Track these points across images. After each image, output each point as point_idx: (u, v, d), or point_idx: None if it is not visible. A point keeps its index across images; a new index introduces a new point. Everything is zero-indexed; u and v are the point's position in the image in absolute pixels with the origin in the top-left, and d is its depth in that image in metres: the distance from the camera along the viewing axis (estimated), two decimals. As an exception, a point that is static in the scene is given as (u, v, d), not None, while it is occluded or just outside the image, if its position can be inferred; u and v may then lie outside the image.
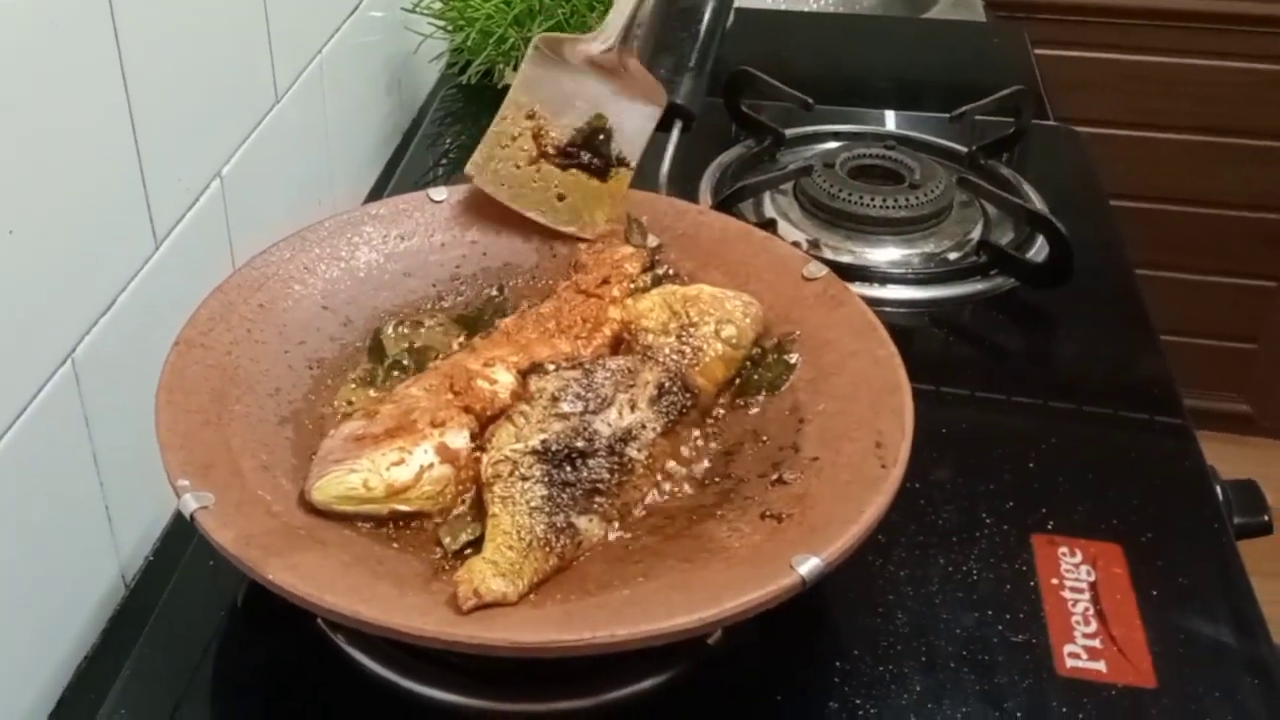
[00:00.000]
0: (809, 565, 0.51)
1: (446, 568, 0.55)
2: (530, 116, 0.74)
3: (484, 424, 0.61)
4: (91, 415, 0.65)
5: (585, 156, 0.74)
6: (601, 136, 0.73)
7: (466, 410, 0.61)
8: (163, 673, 0.62)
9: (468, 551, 0.56)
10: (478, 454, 0.59)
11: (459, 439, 0.59)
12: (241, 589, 0.64)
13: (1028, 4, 1.75)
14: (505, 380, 0.63)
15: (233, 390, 0.61)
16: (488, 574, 0.51)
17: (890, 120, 1.11)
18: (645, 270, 0.72)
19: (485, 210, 0.75)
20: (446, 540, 0.57)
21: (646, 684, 0.57)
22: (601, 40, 0.74)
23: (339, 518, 0.57)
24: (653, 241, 0.74)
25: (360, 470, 0.56)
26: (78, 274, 0.63)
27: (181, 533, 0.71)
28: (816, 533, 0.53)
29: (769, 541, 0.55)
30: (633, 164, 0.74)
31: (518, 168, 0.74)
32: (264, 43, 0.82)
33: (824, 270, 0.69)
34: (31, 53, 0.57)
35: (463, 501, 0.59)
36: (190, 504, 0.53)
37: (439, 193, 0.75)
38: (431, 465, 0.58)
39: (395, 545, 0.57)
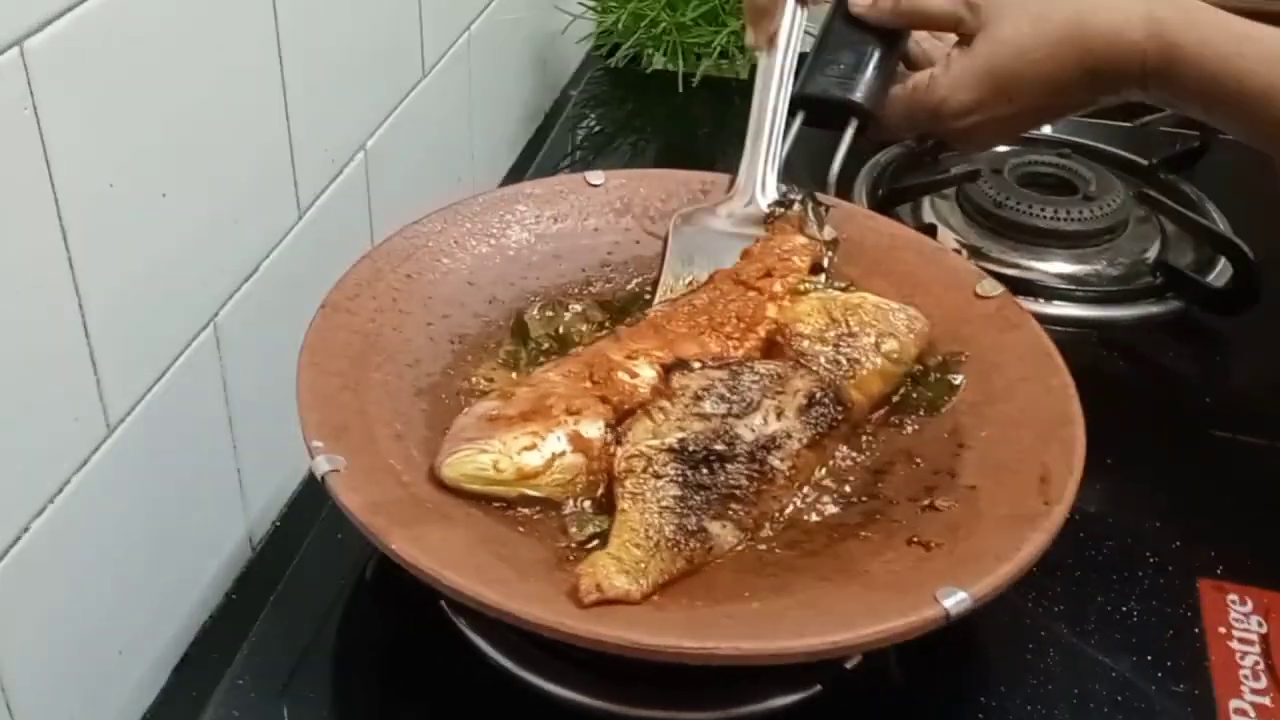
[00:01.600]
0: (955, 599, 0.47)
1: (571, 558, 0.53)
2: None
3: (620, 417, 0.59)
4: (229, 378, 0.65)
5: None
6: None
7: (604, 401, 0.59)
8: (284, 639, 0.62)
9: (593, 544, 0.54)
10: (612, 446, 0.57)
11: (594, 429, 0.57)
12: (371, 564, 0.63)
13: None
14: (647, 375, 0.60)
15: (373, 357, 0.60)
16: (611, 569, 0.49)
17: (1064, 126, 1.05)
18: (815, 268, 0.68)
19: (643, 198, 0.73)
20: (573, 530, 0.55)
21: (776, 702, 0.54)
22: (739, 198, 0.71)
23: (467, 495, 0.55)
24: (830, 234, 0.70)
25: (491, 451, 0.55)
26: (225, 239, 0.63)
27: (309, 501, 0.71)
28: (966, 566, 0.50)
29: (914, 569, 0.51)
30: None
31: None
32: (415, 17, 0.82)
33: (1000, 289, 0.65)
34: (192, 22, 0.57)
35: (593, 492, 0.57)
36: (323, 465, 0.52)
37: (596, 176, 0.74)
38: (564, 453, 0.56)
39: (521, 529, 0.55)
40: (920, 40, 0.76)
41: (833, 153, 0.75)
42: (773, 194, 0.71)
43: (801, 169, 0.76)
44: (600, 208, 0.73)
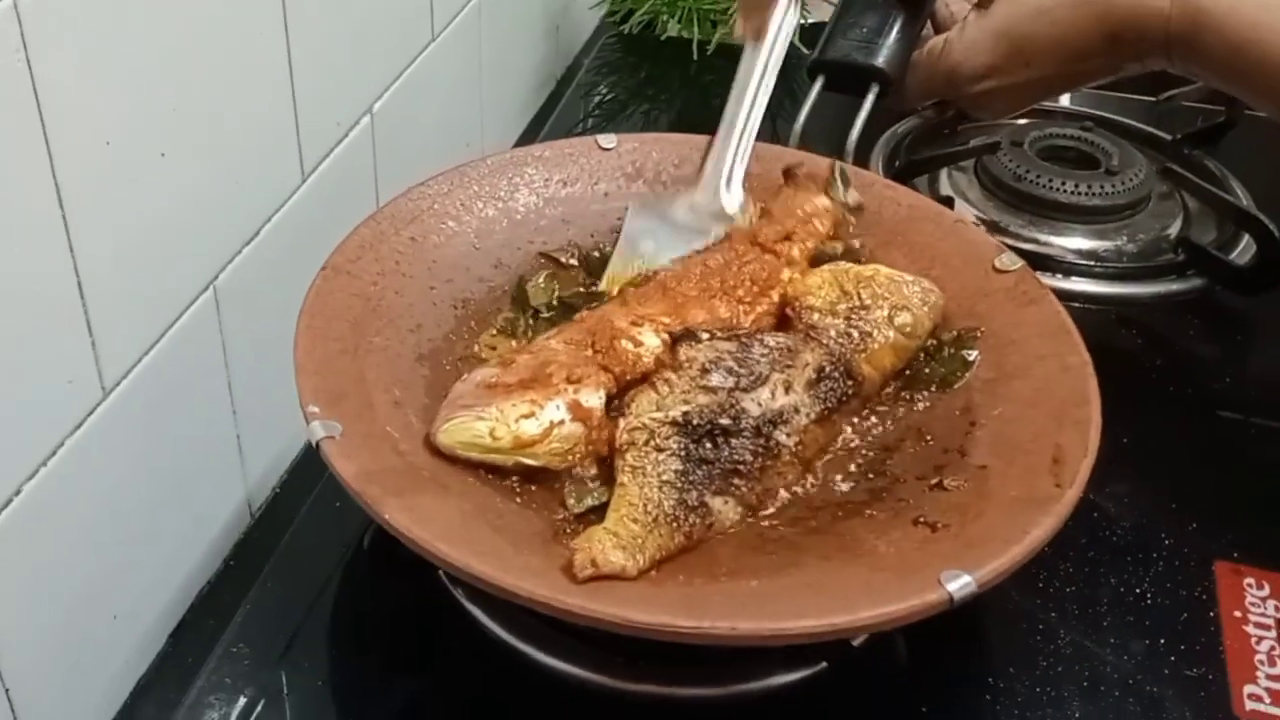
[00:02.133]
0: (959, 583, 0.46)
1: (568, 530, 0.53)
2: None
3: (623, 387, 0.58)
4: (229, 342, 0.64)
5: None
6: None
7: (605, 370, 0.58)
8: (282, 606, 0.62)
9: (593, 517, 0.53)
10: (613, 417, 0.56)
11: (594, 398, 0.56)
12: (369, 531, 0.62)
13: None
14: (651, 343, 0.59)
15: (374, 322, 0.59)
16: (608, 544, 0.48)
17: (1086, 99, 1.03)
18: (834, 234, 0.66)
19: (655, 162, 0.71)
20: (571, 501, 0.54)
21: (782, 679, 0.53)
22: (703, 191, 0.69)
23: (464, 465, 0.54)
24: (854, 198, 0.68)
25: (488, 419, 0.54)
26: (225, 201, 0.62)
27: (310, 468, 0.70)
28: (973, 548, 0.49)
29: (919, 551, 0.50)
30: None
31: None
32: (425, -22, 0.80)
33: (1019, 263, 0.64)
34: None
35: (592, 463, 0.56)
36: (318, 432, 0.51)
37: (608, 140, 0.72)
38: (562, 422, 0.55)
39: (519, 500, 0.54)
40: (949, 3, 0.74)
41: (852, 119, 0.73)
42: (739, 192, 0.69)
43: (820, 135, 0.74)
44: (611, 172, 0.72)
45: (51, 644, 0.55)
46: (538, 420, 0.54)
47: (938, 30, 0.74)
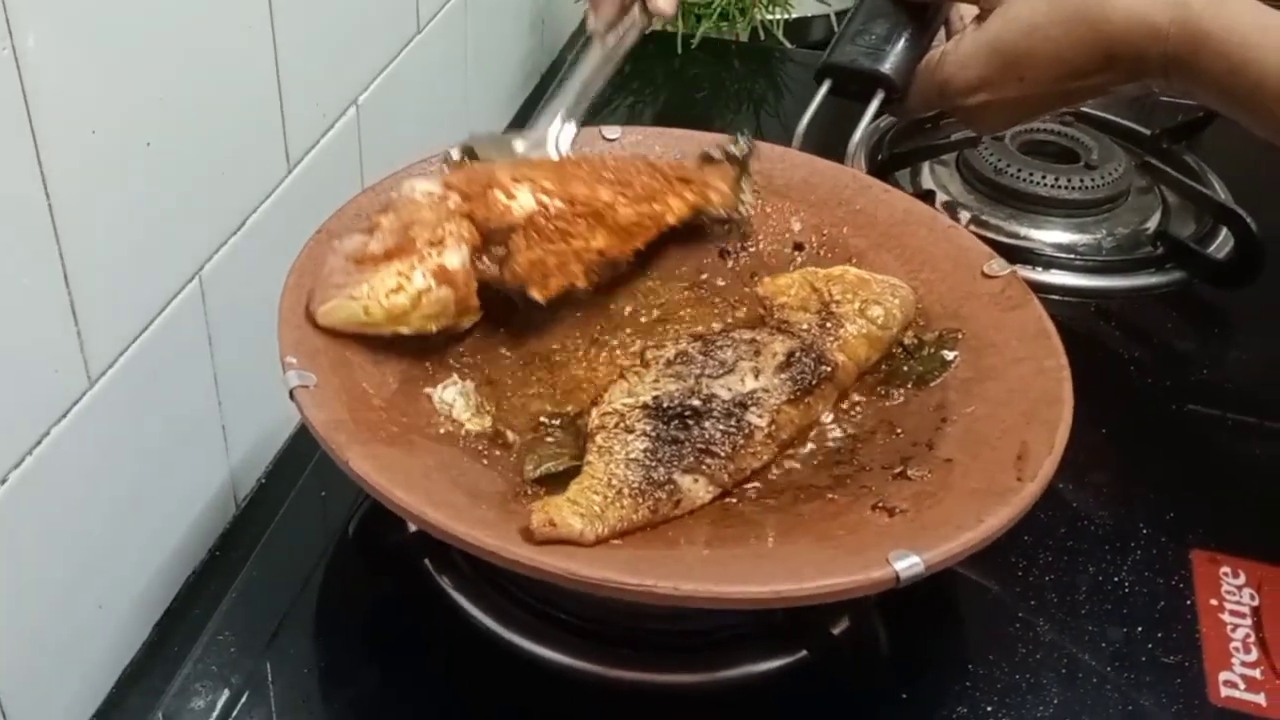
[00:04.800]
0: (907, 562, 0.46)
1: (528, 492, 0.53)
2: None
3: (485, 237, 0.59)
4: (215, 333, 0.64)
5: None
6: None
7: (469, 218, 0.59)
8: (268, 595, 0.62)
9: (555, 486, 0.53)
10: (479, 266, 0.59)
11: (455, 258, 0.58)
12: (355, 519, 0.62)
13: None
14: (525, 201, 0.60)
15: None
16: (565, 510, 0.49)
17: (1066, 94, 1.04)
18: (719, 220, 0.68)
19: (658, 156, 0.71)
20: (528, 468, 0.55)
21: (763, 666, 0.54)
22: (528, 142, 0.70)
23: (443, 437, 0.56)
24: (747, 209, 0.70)
25: (360, 298, 0.56)
26: (211, 192, 0.62)
27: (296, 457, 0.71)
28: (926, 531, 0.49)
29: (874, 534, 0.50)
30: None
31: None
32: (411, -28, 0.81)
33: (1007, 269, 0.64)
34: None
35: (465, 318, 0.59)
36: (293, 380, 0.52)
37: (612, 131, 0.73)
38: (429, 289, 0.57)
39: (484, 462, 0.55)
40: (965, 15, 0.74)
41: (855, 122, 0.74)
42: (566, 131, 0.70)
43: (822, 136, 0.74)
44: None
45: (37, 633, 0.55)
46: (406, 292, 0.56)
47: (950, 39, 0.74)
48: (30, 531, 0.53)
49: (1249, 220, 0.81)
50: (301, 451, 0.71)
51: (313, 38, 0.69)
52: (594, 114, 1.06)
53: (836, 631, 0.53)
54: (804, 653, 0.54)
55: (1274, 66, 0.60)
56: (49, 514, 0.54)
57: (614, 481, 0.51)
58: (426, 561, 0.57)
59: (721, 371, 0.57)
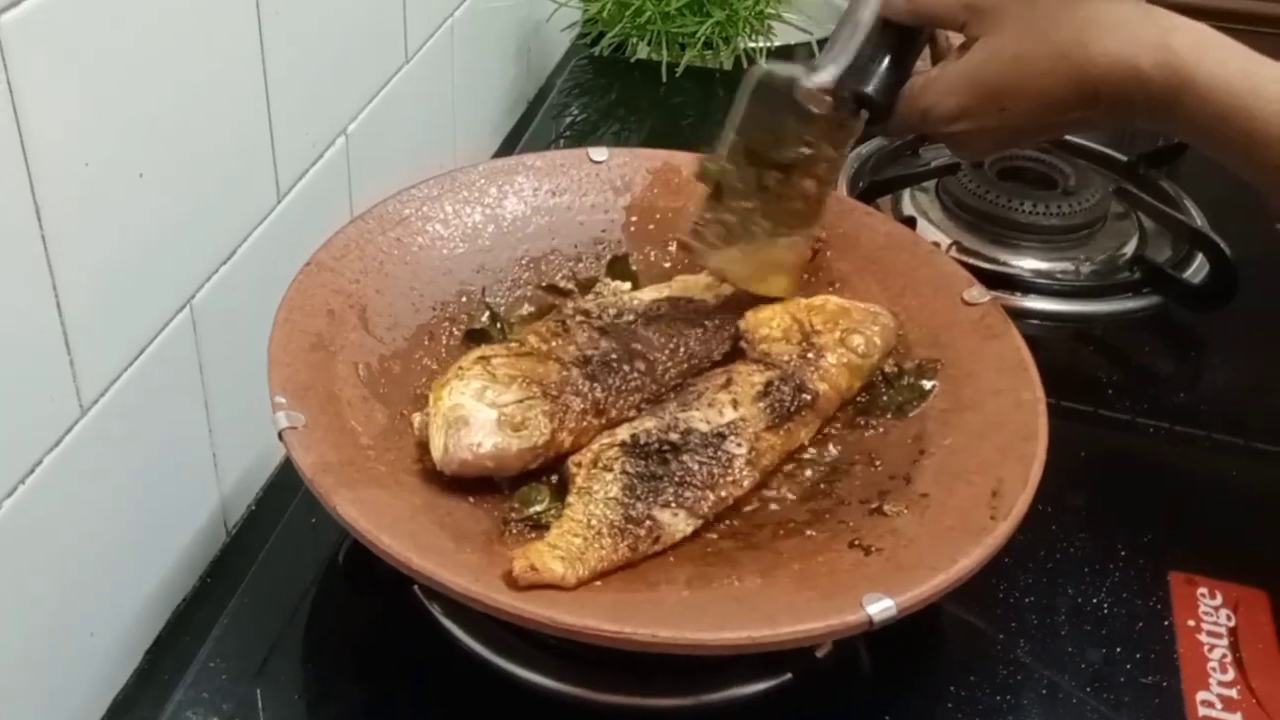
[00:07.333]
0: (880, 606, 0.47)
1: (513, 531, 0.54)
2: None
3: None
4: (206, 362, 0.65)
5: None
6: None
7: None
8: (258, 622, 0.62)
9: (535, 529, 0.55)
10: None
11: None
12: (344, 547, 0.63)
13: (1182, 6, 1.66)
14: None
15: (351, 318, 0.61)
16: (546, 555, 0.50)
17: (1044, 122, 1.05)
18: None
19: (644, 178, 0.73)
20: (517, 506, 0.56)
21: (748, 689, 0.54)
22: (822, 73, 0.67)
23: (423, 468, 0.56)
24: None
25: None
26: (202, 221, 0.63)
27: (286, 485, 0.71)
28: (901, 573, 0.50)
29: (849, 572, 0.51)
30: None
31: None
32: (398, 2, 0.81)
33: (986, 296, 0.65)
34: (174, 4, 0.57)
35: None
36: (281, 421, 0.53)
37: (599, 153, 0.74)
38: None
39: (471, 500, 0.56)
40: (951, 37, 0.75)
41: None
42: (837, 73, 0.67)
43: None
44: (600, 185, 0.73)
45: (28, 660, 0.55)
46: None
47: (935, 61, 0.74)
48: (22, 559, 0.53)
49: (1224, 246, 0.82)
50: (292, 479, 0.71)
51: (302, 68, 0.70)
52: (580, 141, 1.08)
53: (820, 655, 0.54)
54: (788, 675, 0.55)
55: (1260, 114, 0.59)
56: (41, 541, 0.54)
57: (593, 522, 0.52)
58: (416, 589, 0.57)
59: (699, 405, 0.58)
